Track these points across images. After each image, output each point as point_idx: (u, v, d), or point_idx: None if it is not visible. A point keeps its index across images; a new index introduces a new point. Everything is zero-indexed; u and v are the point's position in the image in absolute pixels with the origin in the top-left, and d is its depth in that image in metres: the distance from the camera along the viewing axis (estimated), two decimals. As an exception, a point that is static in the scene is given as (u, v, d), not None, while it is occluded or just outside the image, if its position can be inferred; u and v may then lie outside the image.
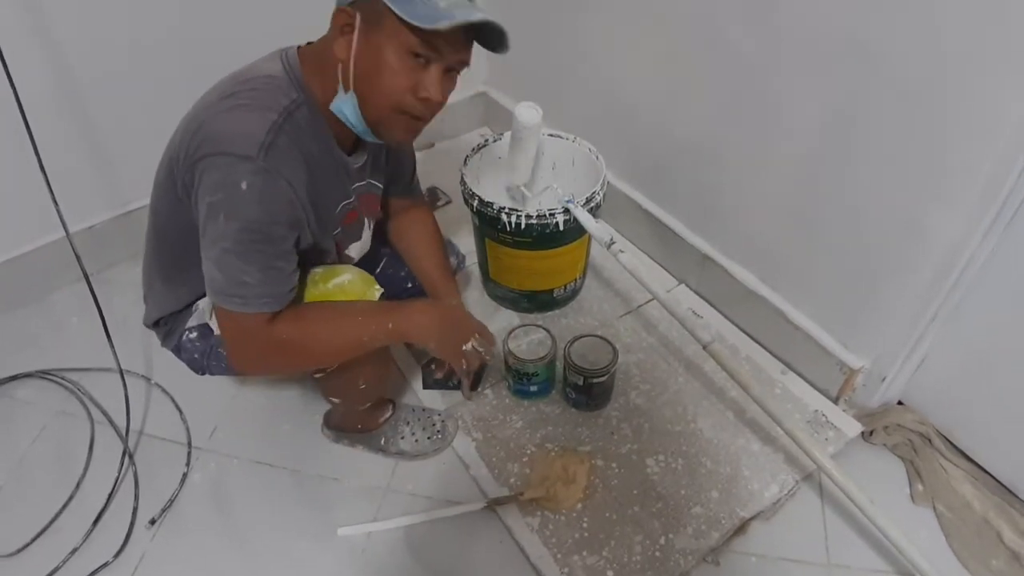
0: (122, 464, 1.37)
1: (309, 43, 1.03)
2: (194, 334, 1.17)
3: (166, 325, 1.19)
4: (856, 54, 1.12)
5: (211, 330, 1.16)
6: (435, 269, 1.36)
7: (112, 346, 1.38)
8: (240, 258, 0.93)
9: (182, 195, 0.99)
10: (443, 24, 0.87)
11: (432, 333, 1.11)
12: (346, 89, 0.96)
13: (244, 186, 0.89)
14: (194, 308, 1.16)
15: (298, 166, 0.96)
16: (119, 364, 1.40)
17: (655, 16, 1.45)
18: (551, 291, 1.59)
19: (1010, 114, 0.98)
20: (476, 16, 0.90)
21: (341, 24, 0.93)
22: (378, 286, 1.12)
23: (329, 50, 0.96)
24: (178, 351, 1.19)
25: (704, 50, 1.38)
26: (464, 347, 1.16)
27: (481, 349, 1.18)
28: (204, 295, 1.12)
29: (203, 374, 1.21)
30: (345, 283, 1.09)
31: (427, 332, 1.10)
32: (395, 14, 0.88)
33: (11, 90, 1.21)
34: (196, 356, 1.18)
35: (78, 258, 1.33)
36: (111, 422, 1.44)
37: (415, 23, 0.88)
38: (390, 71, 0.93)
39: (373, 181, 1.19)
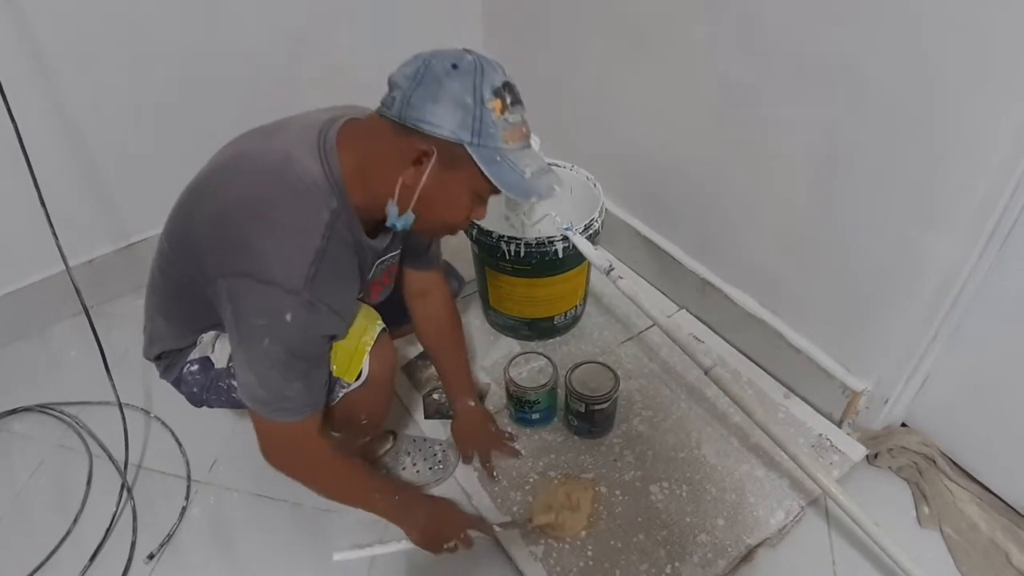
0: (120, 498, 1.35)
1: (348, 121, 1.00)
2: (195, 367, 1.16)
3: (167, 359, 1.18)
4: (847, 80, 1.14)
5: (212, 363, 1.15)
6: (452, 366, 1.37)
7: (111, 379, 1.38)
8: (284, 376, 0.94)
9: (203, 282, 0.96)
10: (532, 200, 0.94)
11: (416, 530, 1.16)
12: (402, 210, 0.97)
13: (289, 318, 0.90)
14: (197, 341, 1.15)
15: (339, 282, 0.97)
16: (118, 397, 1.39)
17: (651, 46, 1.48)
18: (551, 318, 1.59)
19: (1000, 134, 1.00)
20: (555, 192, 0.98)
21: (416, 156, 0.91)
22: (380, 321, 1.12)
23: (380, 162, 0.94)
24: (178, 383, 1.19)
25: (698, 78, 1.40)
26: (446, 546, 1.18)
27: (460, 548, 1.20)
28: (205, 331, 1.13)
29: (200, 406, 1.20)
30: None
31: (414, 528, 1.16)
32: (477, 167, 0.91)
33: (11, 125, 1.22)
34: (195, 390, 1.17)
35: (78, 292, 1.33)
36: (110, 456, 1.43)
37: (508, 193, 0.93)
38: (457, 207, 0.98)
39: (392, 251, 1.17)
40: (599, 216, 1.44)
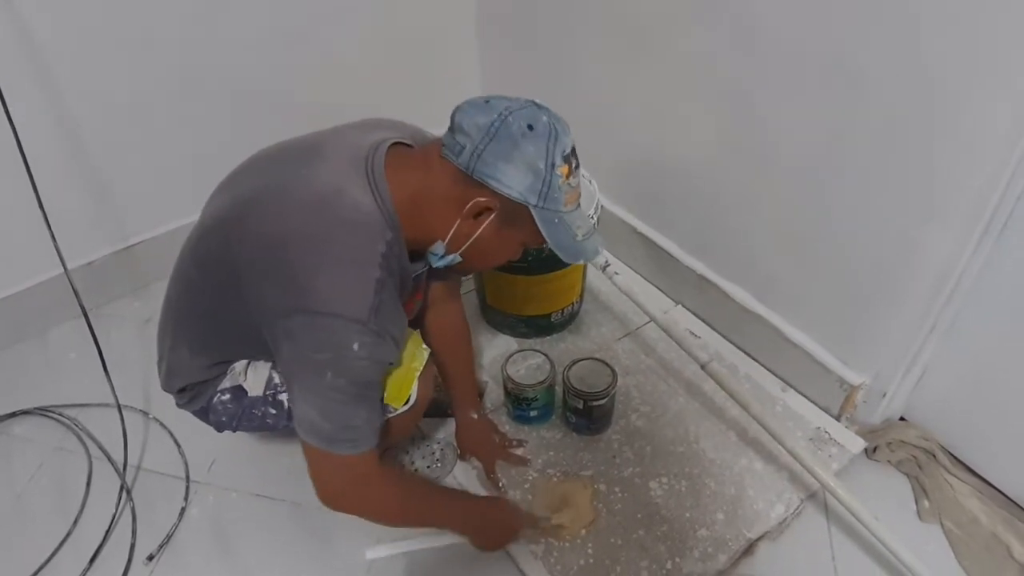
0: (120, 500, 1.35)
1: (393, 147, 0.98)
2: (227, 396, 1.12)
3: (192, 391, 1.14)
4: (843, 78, 1.14)
5: (245, 392, 1.12)
6: (458, 378, 1.38)
7: (110, 381, 1.38)
8: (348, 406, 0.92)
9: (247, 316, 0.95)
10: (580, 262, 0.99)
11: (480, 535, 1.19)
12: (449, 252, 0.99)
13: (356, 347, 0.89)
14: (229, 370, 1.12)
15: (395, 308, 0.97)
16: (117, 399, 1.39)
17: (649, 45, 1.47)
18: (549, 315, 1.59)
19: (996, 130, 1.00)
20: (600, 253, 1.04)
21: (478, 209, 0.93)
22: (424, 345, 1.13)
23: (437, 204, 0.95)
24: (204, 413, 1.15)
25: (696, 76, 1.40)
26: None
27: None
28: (235, 360, 1.11)
29: (222, 431, 1.18)
30: None
31: (478, 533, 1.18)
32: (535, 225, 0.94)
33: (10, 127, 1.22)
34: (224, 419, 1.14)
35: (76, 294, 1.34)
36: (109, 458, 1.43)
37: (560, 254, 0.97)
38: (504, 255, 1.03)
39: (424, 268, 1.17)
40: (595, 213, 1.45)
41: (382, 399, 1.03)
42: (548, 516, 1.26)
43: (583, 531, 1.26)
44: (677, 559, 1.22)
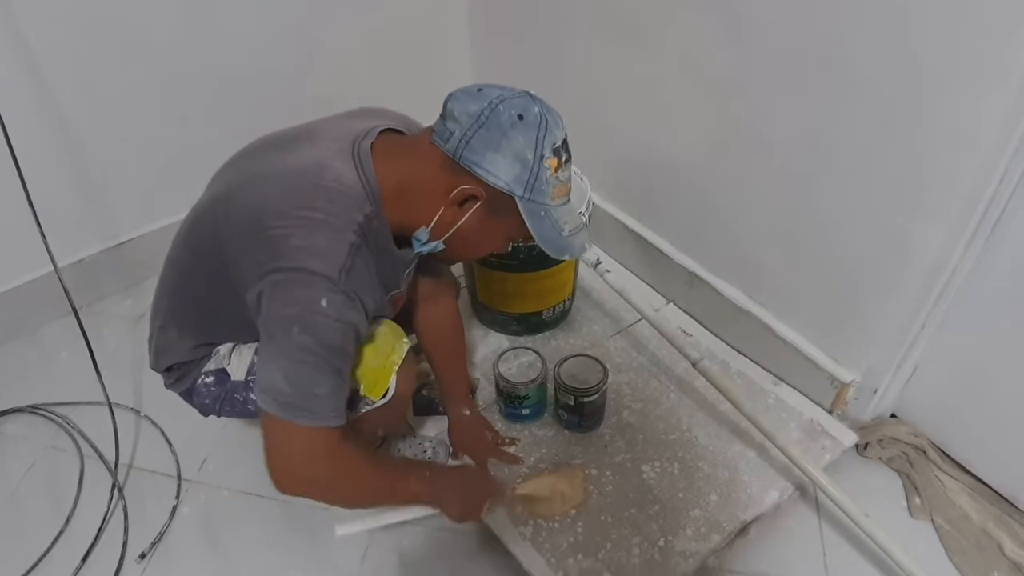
0: (111, 498, 1.35)
1: (383, 133, 0.99)
2: (210, 378, 1.12)
3: (178, 371, 1.14)
4: (835, 71, 1.13)
5: (228, 376, 1.12)
6: (451, 374, 1.36)
7: (101, 380, 1.38)
8: (314, 371, 0.89)
9: (231, 293, 0.95)
10: (565, 258, 0.99)
11: (454, 505, 1.11)
12: (434, 238, 0.99)
13: (324, 303, 0.87)
14: (214, 352, 1.12)
15: (371, 281, 0.96)
16: (108, 398, 1.39)
17: (639, 38, 1.47)
18: (540, 313, 1.59)
19: (989, 126, 0.99)
20: (586, 250, 1.04)
21: (464, 197, 0.93)
22: (406, 339, 1.12)
23: (422, 190, 0.95)
24: (189, 395, 1.15)
25: (686, 70, 1.40)
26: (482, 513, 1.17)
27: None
28: (221, 343, 1.11)
29: (208, 416, 1.18)
30: (376, 333, 1.08)
31: (452, 504, 1.11)
32: (521, 218, 0.93)
33: (-1, 125, 1.22)
34: (208, 402, 1.14)
35: (67, 292, 1.33)
36: (100, 456, 1.43)
37: (544, 248, 0.96)
38: (488, 246, 1.04)
39: (415, 261, 1.16)
40: (587, 210, 1.44)
41: (348, 381, 0.98)
42: (514, 486, 1.24)
43: (572, 511, 1.26)
44: (669, 537, 1.22)
